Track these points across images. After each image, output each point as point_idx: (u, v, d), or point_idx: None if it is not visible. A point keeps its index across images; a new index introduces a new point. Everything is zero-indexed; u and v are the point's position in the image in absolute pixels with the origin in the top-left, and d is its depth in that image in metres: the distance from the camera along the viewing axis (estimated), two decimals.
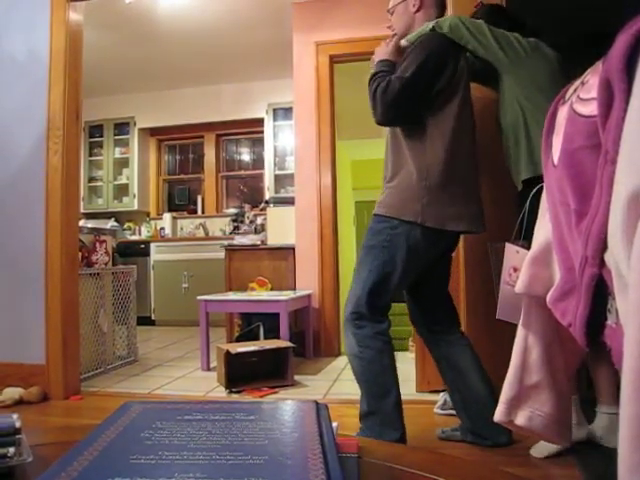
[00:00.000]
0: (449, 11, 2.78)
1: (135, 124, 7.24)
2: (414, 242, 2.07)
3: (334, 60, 4.68)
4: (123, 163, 7.34)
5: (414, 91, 2.05)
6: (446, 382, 2.36)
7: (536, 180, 2.05)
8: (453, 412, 2.53)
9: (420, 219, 2.05)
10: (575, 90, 0.94)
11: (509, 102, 2.16)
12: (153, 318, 6.65)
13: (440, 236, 2.11)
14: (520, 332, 1.21)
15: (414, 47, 2.14)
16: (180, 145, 7.79)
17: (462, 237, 2.67)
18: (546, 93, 2.06)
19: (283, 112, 6.50)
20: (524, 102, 2.11)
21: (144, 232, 7.25)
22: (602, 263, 0.74)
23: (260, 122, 6.72)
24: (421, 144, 2.10)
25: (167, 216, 7.31)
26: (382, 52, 2.25)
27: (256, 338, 4.12)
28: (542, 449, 2.08)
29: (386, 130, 2.27)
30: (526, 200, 2.09)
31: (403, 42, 2.25)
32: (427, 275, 2.27)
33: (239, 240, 5.26)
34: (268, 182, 6.59)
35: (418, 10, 2.24)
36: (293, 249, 4.71)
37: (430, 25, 2.16)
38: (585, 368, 2.18)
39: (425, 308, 2.35)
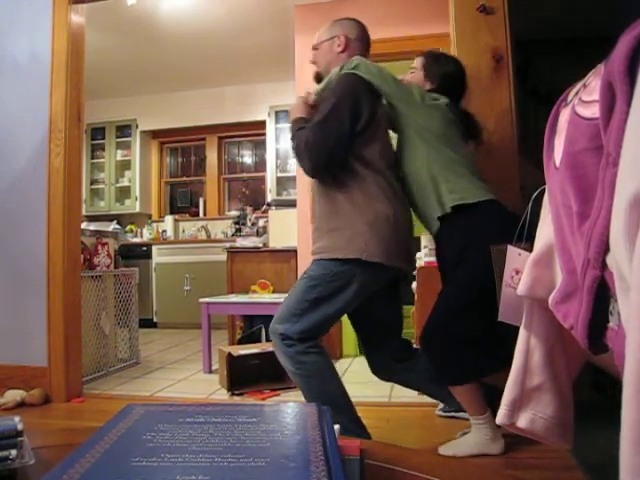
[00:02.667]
0: (451, 11, 2.79)
1: (137, 126, 7.25)
2: (358, 279, 2.04)
3: None
4: (125, 165, 7.35)
5: (332, 134, 2.01)
6: (437, 394, 2.36)
7: (446, 216, 2.10)
8: (455, 414, 2.53)
9: (365, 255, 2.01)
10: (577, 92, 0.94)
11: (411, 146, 2.16)
12: (155, 320, 6.65)
13: (382, 272, 2.08)
14: (522, 334, 1.21)
15: (327, 92, 2.13)
16: (182, 147, 7.80)
17: None
18: (441, 137, 2.12)
19: (285, 114, 6.49)
20: (422, 145, 2.13)
21: (146, 234, 7.26)
22: (604, 265, 0.74)
23: (262, 124, 6.72)
24: (355, 183, 2.07)
25: (169, 218, 7.32)
26: (294, 111, 2.23)
27: (258, 340, 4.13)
28: (448, 448, 2.10)
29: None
30: (444, 238, 2.16)
31: (313, 97, 2.25)
32: (381, 307, 2.25)
33: (241, 242, 5.27)
34: (270, 184, 6.60)
35: (343, 51, 2.25)
36: (295, 251, 4.71)
37: (337, 69, 2.17)
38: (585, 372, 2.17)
39: (385, 339, 2.31)
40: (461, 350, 2.03)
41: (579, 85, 0.95)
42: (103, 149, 7.38)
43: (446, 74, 2.30)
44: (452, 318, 2.05)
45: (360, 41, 2.30)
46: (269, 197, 6.39)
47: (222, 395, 3.26)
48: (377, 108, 2.12)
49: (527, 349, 1.19)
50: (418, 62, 2.37)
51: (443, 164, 2.10)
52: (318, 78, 2.30)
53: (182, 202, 7.66)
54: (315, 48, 2.33)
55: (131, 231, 7.33)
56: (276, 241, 5.08)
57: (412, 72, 2.37)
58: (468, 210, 2.04)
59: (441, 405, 2.68)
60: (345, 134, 2.02)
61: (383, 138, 2.14)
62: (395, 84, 2.15)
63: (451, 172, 2.09)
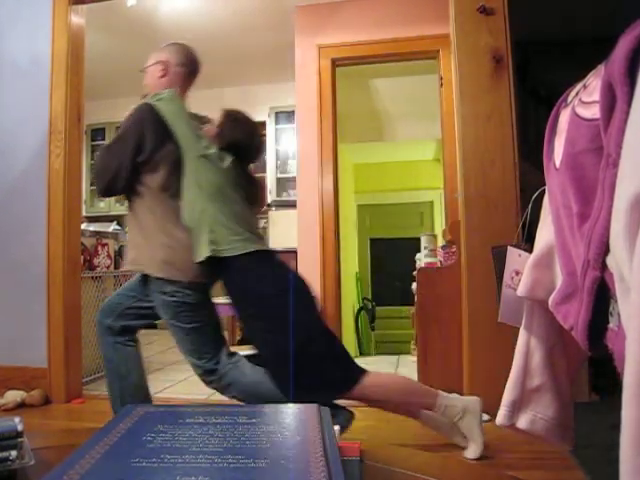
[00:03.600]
0: (451, 12, 2.79)
1: None
2: (189, 298, 2.19)
3: (336, 63, 4.68)
4: None
5: (114, 161, 2.15)
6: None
7: (219, 260, 2.17)
8: None
9: (166, 275, 2.17)
10: (577, 93, 0.94)
11: (189, 190, 2.22)
12: (155, 321, 6.63)
13: (190, 287, 2.20)
14: (522, 335, 1.21)
15: (125, 118, 2.26)
16: None
17: (463, 241, 2.68)
18: (218, 189, 2.22)
19: (285, 115, 6.49)
20: (199, 192, 2.20)
21: None
22: (604, 266, 0.74)
23: (262, 125, 6.70)
24: (145, 208, 2.22)
25: None
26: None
27: None
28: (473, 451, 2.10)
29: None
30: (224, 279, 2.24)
31: None
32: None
33: None
34: (270, 185, 6.58)
35: (162, 77, 2.37)
36: (295, 252, 4.70)
37: (149, 98, 2.28)
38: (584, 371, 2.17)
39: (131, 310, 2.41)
40: (322, 377, 2.12)
41: (579, 86, 0.95)
42: None
43: (234, 141, 2.34)
44: (302, 360, 2.09)
45: (182, 67, 2.41)
46: (269, 198, 6.38)
47: (222, 396, 3.25)
48: (164, 142, 2.19)
49: (527, 350, 1.19)
50: (218, 118, 2.43)
51: (214, 215, 2.18)
52: None
53: None
54: (144, 71, 2.45)
55: None
56: (276, 242, 5.08)
57: (211, 125, 2.41)
58: (238, 259, 2.16)
59: None
60: (126, 163, 2.15)
61: (168, 171, 2.21)
62: (187, 129, 2.24)
63: (220, 224, 2.17)
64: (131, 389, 2.31)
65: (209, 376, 2.23)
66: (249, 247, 2.17)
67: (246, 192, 2.33)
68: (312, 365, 2.10)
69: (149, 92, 2.38)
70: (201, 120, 2.41)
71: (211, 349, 2.23)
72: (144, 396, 2.36)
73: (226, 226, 2.18)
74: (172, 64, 2.38)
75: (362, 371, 2.13)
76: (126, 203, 2.33)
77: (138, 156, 2.15)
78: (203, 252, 2.15)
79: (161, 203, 2.21)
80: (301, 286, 2.22)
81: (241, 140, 2.35)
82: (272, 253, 2.34)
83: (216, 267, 2.19)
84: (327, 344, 2.17)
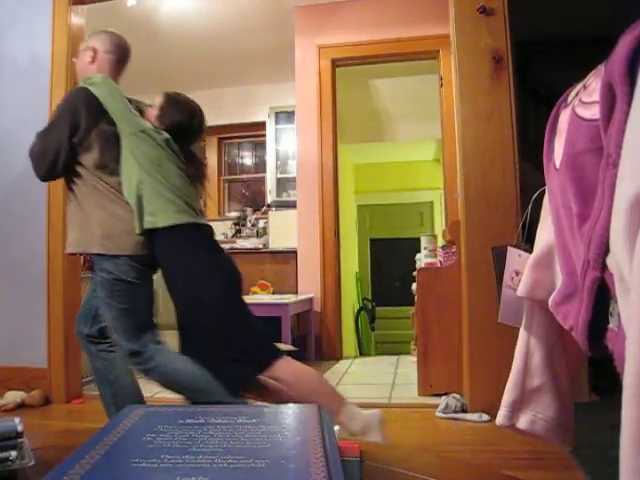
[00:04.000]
0: (451, 12, 2.79)
1: None
2: (127, 276, 2.23)
3: (336, 64, 4.69)
4: None
5: (51, 145, 2.21)
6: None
7: (156, 232, 2.23)
8: (455, 415, 2.52)
9: (105, 250, 2.21)
10: (577, 93, 0.94)
11: (127, 165, 2.26)
12: (155, 322, 6.62)
13: (128, 261, 2.24)
14: (522, 335, 1.21)
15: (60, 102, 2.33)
16: None
17: (463, 242, 2.68)
18: (154, 164, 2.26)
19: (285, 115, 6.48)
20: (136, 166, 2.24)
21: None
22: (604, 266, 0.74)
23: (262, 125, 6.70)
24: (85, 187, 2.26)
25: None
26: None
27: None
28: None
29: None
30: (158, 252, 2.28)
31: None
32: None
33: (241, 244, 5.27)
34: (270, 185, 6.57)
35: (91, 62, 2.43)
36: (295, 252, 4.71)
37: (82, 82, 2.34)
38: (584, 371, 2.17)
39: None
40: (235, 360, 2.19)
41: (579, 86, 0.95)
42: None
43: (174, 122, 2.37)
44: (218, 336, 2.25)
45: (111, 54, 2.48)
46: (269, 198, 6.37)
47: None
48: (98, 122, 2.25)
49: (527, 350, 1.19)
50: (158, 100, 2.47)
51: (151, 187, 2.21)
52: None
53: None
54: (76, 57, 2.51)
55: None
56: (276, 242, 5.08)
57: (152, 107, 2.45)
58: (174, 231, 2.21)
59: (441, 406, 2.68)
60: (63, 146, 2.21)
61: (102, 149, 2.26)
62: (122, 107, 2.31)
63: (157, 195, 2.21)
64: (123, 393, 2.34)
65: (135, 357, 2.23)
66: (184, 219, 2.21)
67: (188, 170, 2.37)
68: (225, 346, 2.21)
69: (79, 78, 2.45)
70: (138, 104, 2.49)
71: (140, 331, 2.27)
72: (137, 398, 2.38)
73: (164, 197, 2.21)
74: (100, 51, 2.44)
75: (277, 356, 2.17)
76: (66, 185, 2.36)
77: (74, 136, 2.20)
78: (144, 223, 2.20)
79: (99, 181, 2.24)
80: (230, 267, 2.32)
81: (182, 121, 2.40)
82: (208, 228, 2.37)
83: (154, 239, 2.23)
84: (245, 326, 2.25)
